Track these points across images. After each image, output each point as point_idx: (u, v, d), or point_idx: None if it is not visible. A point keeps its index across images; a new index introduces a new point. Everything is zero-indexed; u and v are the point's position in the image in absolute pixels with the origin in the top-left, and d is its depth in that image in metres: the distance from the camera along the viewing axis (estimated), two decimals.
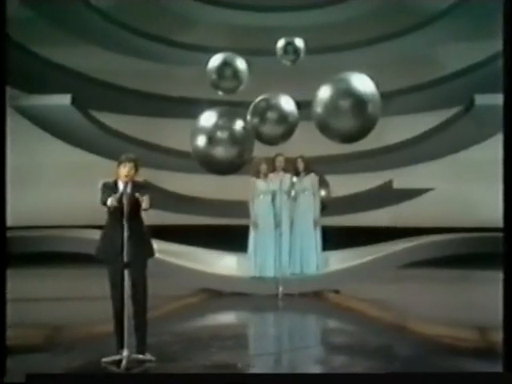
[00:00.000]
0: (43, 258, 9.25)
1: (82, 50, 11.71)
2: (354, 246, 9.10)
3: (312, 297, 8.31)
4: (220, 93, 7.61)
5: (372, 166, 11.84)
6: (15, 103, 9.88)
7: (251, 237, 8.57)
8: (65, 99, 10.54)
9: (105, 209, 5.36)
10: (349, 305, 7.91)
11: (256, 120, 7.03)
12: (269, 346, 6.25)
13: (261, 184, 8.62)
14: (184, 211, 11.80)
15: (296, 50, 7.63)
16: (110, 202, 5.21)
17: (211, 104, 7.33)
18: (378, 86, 6.40)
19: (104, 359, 5.27)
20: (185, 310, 7.91)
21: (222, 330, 6.76)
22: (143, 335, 5.43)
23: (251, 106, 7.09)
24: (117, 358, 5.24)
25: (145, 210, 5.30)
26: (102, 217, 5.49)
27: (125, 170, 5.36)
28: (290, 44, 7.62)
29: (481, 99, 10.20)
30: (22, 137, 10.38)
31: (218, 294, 8.35)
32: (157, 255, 5.68)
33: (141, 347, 5.40)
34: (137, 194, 5.26)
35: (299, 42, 7.66)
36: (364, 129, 6.43)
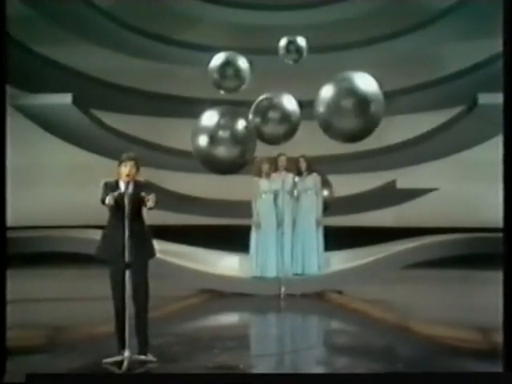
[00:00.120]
0: (43, 259, 9.25)
1: (82, 49, 11.69)
2: (356, 246, 9.08)
3: (314, 297, 8.29)
4: (222, 92, 7.60)
5: (375, 166, 11.82)
6: (15, 102, 9.83)
7: (253, 237, 8.56)
8: (65, 98, 10.49)
9: (105, 209, 5.34)
10: (351, 305, 7.89)
11: (258, 119, 7.02)
12: (271, 347, 6.23)
13: (263, 184, 8.61)
14: (185, 211, 11.78)
15: (298, 49, 7.61)
16: (107, 200, 5.19)
17: (213, 103, 7.31)
18: (380, 85, 6.37)
19: (105, 360, 5.25)
20: (186, 310, 7.89)
21: (223, 331, 6.75)
22: (144, 336, 5.41)
23: (253, 106, 7.08)
24: (118, 358, 5.22)
25: (150, 208, 5.27)
26: (103, 217, 5.47)
27: (126, 169, 5.35)
28: (292, 43, 7.59)
29: (484, 98, 10.13)
30: (23, 136, 10.34)
31: (220, 294, 8.34)
32: (158, 255, 5.65)
33: (142, 348, 5.38)
34: (142, 194, 5.26)
35: (301, 41, 7.64)
36: (367, 128, 6.42)
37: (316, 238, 8.59)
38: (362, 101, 6.24)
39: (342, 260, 8.84)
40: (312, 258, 8.56)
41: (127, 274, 5.23)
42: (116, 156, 5.52)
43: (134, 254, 5.23)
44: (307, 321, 7.59)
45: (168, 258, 8.14)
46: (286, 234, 8.48)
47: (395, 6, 12.08)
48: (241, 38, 11.75)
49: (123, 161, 5.37)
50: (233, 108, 7.07)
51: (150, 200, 5.22)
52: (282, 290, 8.18)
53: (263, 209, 8.56)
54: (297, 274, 8.55)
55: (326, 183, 9.05)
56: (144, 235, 5.42)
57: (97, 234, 5.76)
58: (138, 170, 5.40)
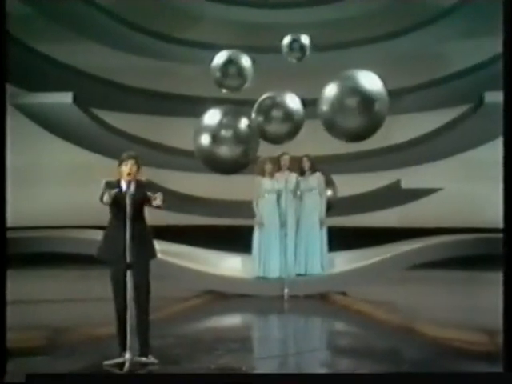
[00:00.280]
0: (44, 259, 9.22)
1: (83, 48, 11.68)
2: (360, 246, 9.03)
3: (318, 299, 8.25)
4: (224, 91, 7.56)
5: (379, 166, 11.78)
6: (15, 101, 9.80)
7: (255, 237, 8.53)
8: (66, 97, 10.48)
9: (107, 209, 5.30)
10: (355, 307, 7.82)
11: (261, 118, 7.02)
12: (274, 349, 6.19)
13: (266, 183, 8.57)
14: (187, 211, 11.74)
15: (302, 47, 7.58)
16: (105, 197, 5.15)
17: (215, 102, 7.30)
18: (385, 83, 6.33)
19: (106, 362, 5.22)
20: (188, 311, 7.83)
21: (226, 333, 6.73)
22: (146, 337, 5.36)
23: (256, 104, 7.07)
24: (119, 360, 5.19)
25: (158, 206, 5.23)
26: (104, 217, 5.43)
27: (127, 167, 5.31)
28: (295, 41, 7.56)
29: (490, 97, 10.02)
30: (22, 136, 10.29)
31: (222, 295, 8.31)
32: (159, 256, 5.61)
33: (143, 350, 5.33)
34: (149, 193, 5.23)
35: (305, 39, 7.61)
36: (371, 127, 6.43)
37: (320, 239, 8.55)
38: (367, 99, 6.25)
39: (345, 261, 8.80)
40: (315, 259, 8.51)
41: (128, 274, 5.19)
42: (117, 155, 5.49)
43: (136, 254, 5.19)
44: (311, 322, 7.55)
45: (170, 258, 8.09)
46: (290, 234, 8.45)
47: (399, 4, 12.05)
48: (243, 35, 11.72)
49: (124, 160, 5.33)
50: (235, 107, 7.07)
51: (158, 198, 5.20)
52: (286, 291, 8.15)
53: (266, 208, 8.52)
54: (300, 275, 8.52)
55: (329, 183, 9.00)
56: (145, 236, 5.37)
57: (98, 235, 5.73)
58: (139, 168, 5.35)
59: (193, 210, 11.85)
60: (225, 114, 6.83)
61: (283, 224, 8.44)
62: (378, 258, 8.60)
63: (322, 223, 8.57)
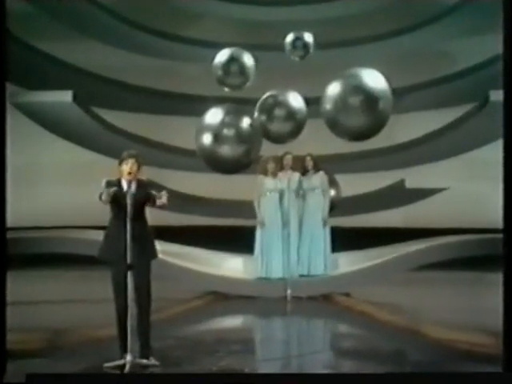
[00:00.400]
0: (44, 260, 9.18)
1: (83, 46, 11.66)
2: (364, 247, 8.99)
3: (321, 300, 8.21)
4: (226, 89, 7.54)
5: (383, 165, 11.75)
6: (15, 100, 9.77)
7: (258, 237, 8.48)
8: (66, 96, 10.43)
9: (107, 209, 5.26)
10: (359, 308, 7.79)
11: (263, 117, 7.02)
12: (276, 351, 6.14)
13: (268, 182, 8.53)
14: (189, 211, 11.71)
15: (305, 45, 7.59)
16: (103, 196, 5.11)
17: (217, 101, 7.27)
18: (389, 81, 6.30)
19: (106, 364, 5.17)
20: (189, 313, 7.80)
21: (228, 334, 6.70)
22: (147, 339, 5.32)
23: (258, 103, 7.08)
24: (120, 362, 5.14)
25: (163, 205, 5.19)
26: (105, 217, 5.39)
27: (127, 166, 5.26)
28: (298, 39, 7.57)
29: (496, 95, 9.94)
30: (22, 135, 10.25)
31: (224, 296, 8.27)
32: (160, 256, 5.58)
33: (144, 352, 5.29)
34: (153, 192, 5.20)
35: (308, 37, 7.63)
36: (375, 126, 6.43)
37: (323, 239, 8.50)
38: (370, 98, 6.25)
39: (349, 261, 8.77)
40: (319, 259, 8.47)
41: (129, 275, 5.15)
42: (118, 155, 5.45)
43: (136, 255, 5.15)
44: (314, 324, 7.51)
45: (171, 259, 8.05)
46: (293, 234, 8.40)
47: (402, 2, 12.02)
48: (246, 33, 11.71)
49: (124, 159, 5.28)
50: (237, 106, 7.08)
51: (163, 196, 5.17)
52: (288, 292, 8.11)
53: (268, 208, 8.47)
54: (303, 276, 8.47)
55: (333, 183, 8.97)
56: (146, 236, 5.33)
57: (98, 235, 5.70)
58: (139, 167, 5.30)
59: (194, 210, 11.83)
60: (227, 113, 6.83)
61: (286, 224, 8.39)
62: (382, 259, 8.55)
63: (325, 223, 8.52)
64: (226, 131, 6.76)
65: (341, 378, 4.96)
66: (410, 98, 11.03)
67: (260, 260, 8.42)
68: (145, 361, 5.22)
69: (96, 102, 11.30)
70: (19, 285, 6.39)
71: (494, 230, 9.03)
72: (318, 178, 8.60)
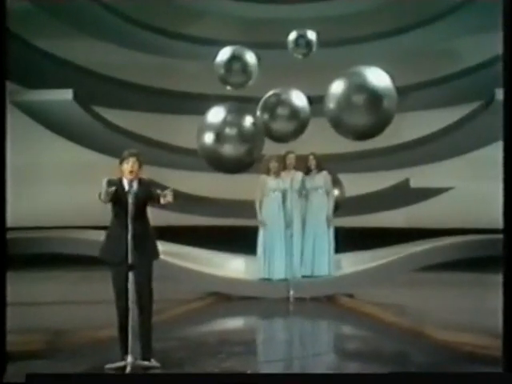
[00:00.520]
0: (44, 260, 9.17)
1: (84, 44, 11.67)
2: (368, 247, 8.95)
3: (324, 301, 8.18)
4: (228, 88, 7.52)
5: (387, 165, 11.71)
6: (15, 98, 9.74)
7: (260, 237, 8.45)
8: (66, 94, 10.39)
9: (108, 209, 5.24)
10: (363, 309, 7.76)
11: (266, 116, 7.02)
12: (279, 352, 6.13)
13: (271, 182, 8.50)
14: (190, 211, 11.69)
15: (308, 43, 7.57)
16: (102, 196, 5.07)
17: (219, 99, 7.24)
18: (393, 80, 6.26)
19: (107, 366, 5.16)
20: (191, 314, 7.76)
21: (230, 336, 6.68)
22: (148, 340, 5.29)
23: (261, 102, 7.07)
24: (121, 364, 5.12)
25: (168, 203, 5.14)
26: (106, 217, 5.35)
27: (128, 165, 5.22)
28: (301, 37, 7.56)
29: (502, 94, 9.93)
30: (22, 134, 10.23)
31: (226, 297, 8.24)
32: (162, 257, 5.56)
33: (146, 353, 5.27)
34: (158, 190, 5.16)
35: (311, 35, 7.63)
36: (379, 125, 6.42)
37: (327, 239, 8.46)
38: (374, 96, 6.25)
39: (353, 262, 8.73)
40: (322, 260, 8.42)
41: (130, 276, 5.11)
42: (118, 154, 5.42)
43: (138, 255, 5.11)
44: (317, 325, 7.46)
45: (172, 259, 8.03)
46: (296, 235, 8.37)
47: (406, 0, 11.95)
48: (248, 31, 11.74)
49: (125, 158, 5.25)
50: (240, 104, 7.07)
51: (168, 195, 5.11)
52: (291, 293, 8.08)
53: (271, 208, 8.43)
54: (306, 276, 8.44)
55: (336, 182, 8.93)
56: (148, 236, 5.30)
57: (99, 235, 5.70)
58: (140, 166, 5.27)
59: (196, 210, 11.81)
60: (229, 112, 6.81)
61: (288, 224, 8.35)
62: (386, 260, 8.51)
63: (329, 222, 8.48)
64: (228, 130, 6.75)
65: (343, 378, 4.93)
66: (414, 96, 10.99)
67: (262, 260, 8.38)
68: (146, 362, 5.20)
69: (96, 101, 11.29)
70: (19, 285, 6.47)
71: (500, 231, 9.00)
72: (322, 178, 8.56)
